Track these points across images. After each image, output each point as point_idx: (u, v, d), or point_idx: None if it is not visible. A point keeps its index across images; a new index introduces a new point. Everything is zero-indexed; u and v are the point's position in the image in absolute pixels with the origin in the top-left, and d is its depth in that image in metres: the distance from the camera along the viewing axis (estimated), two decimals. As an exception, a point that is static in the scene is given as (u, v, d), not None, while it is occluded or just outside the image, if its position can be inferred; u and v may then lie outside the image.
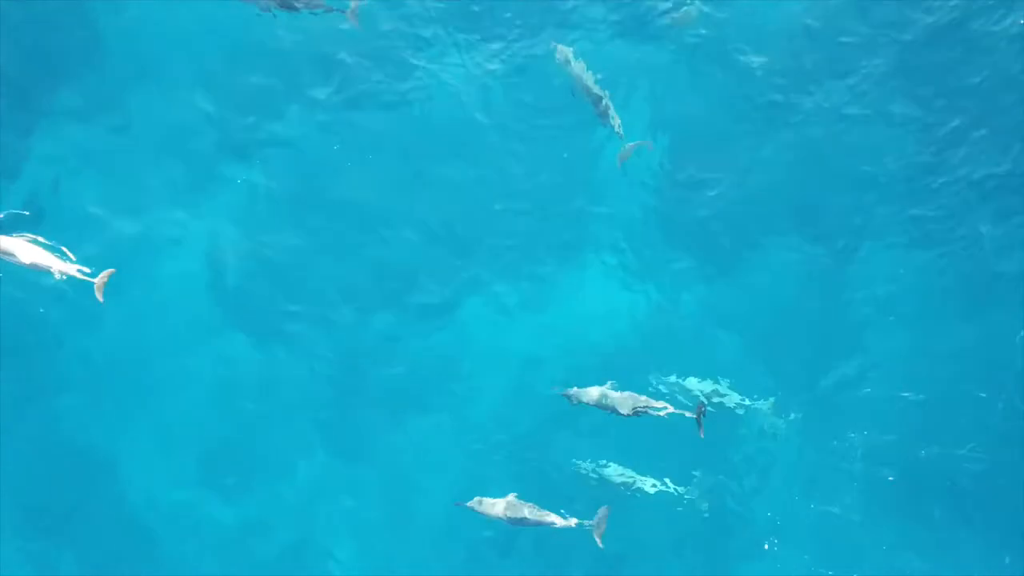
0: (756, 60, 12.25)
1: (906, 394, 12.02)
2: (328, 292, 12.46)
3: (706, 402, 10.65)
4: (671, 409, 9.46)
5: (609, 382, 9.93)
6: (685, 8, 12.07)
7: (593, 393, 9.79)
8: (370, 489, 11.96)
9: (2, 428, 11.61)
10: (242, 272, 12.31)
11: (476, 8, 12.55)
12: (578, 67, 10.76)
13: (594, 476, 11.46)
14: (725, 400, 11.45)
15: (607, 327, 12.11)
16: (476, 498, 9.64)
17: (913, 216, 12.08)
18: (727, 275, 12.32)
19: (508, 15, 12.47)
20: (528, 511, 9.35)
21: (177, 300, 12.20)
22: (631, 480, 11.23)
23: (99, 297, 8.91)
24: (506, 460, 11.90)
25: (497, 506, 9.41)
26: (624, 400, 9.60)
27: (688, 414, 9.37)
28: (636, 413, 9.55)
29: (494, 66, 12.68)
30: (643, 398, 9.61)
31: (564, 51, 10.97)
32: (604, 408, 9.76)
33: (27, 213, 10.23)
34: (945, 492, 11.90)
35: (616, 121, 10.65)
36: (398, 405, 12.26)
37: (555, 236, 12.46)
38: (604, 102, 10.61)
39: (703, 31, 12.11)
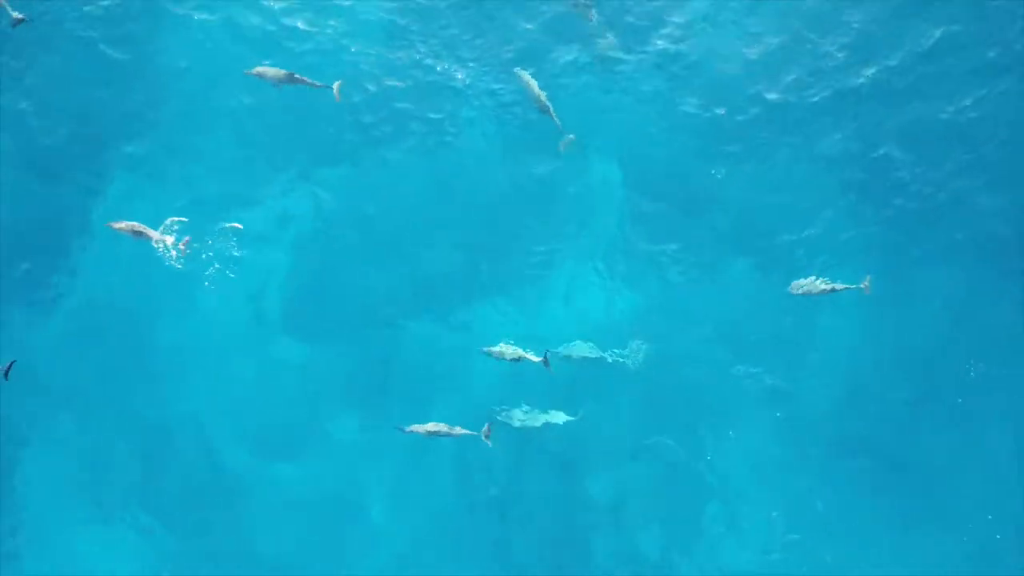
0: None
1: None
2: (367, 297, 14.86)
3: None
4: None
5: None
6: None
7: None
8: (396, 456, 14.12)
9: (100, 409, 14.12)
10: (298, 279, 14.87)
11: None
12: (530, 82, 14.21)
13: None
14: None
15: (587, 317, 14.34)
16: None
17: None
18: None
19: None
20: (443, 428, 12.61)
21: (243, 303, 14.72)
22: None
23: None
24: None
25: (423, 427, 12.62)
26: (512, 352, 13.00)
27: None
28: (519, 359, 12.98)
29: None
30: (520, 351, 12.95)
31: (522, 73, 14.41)
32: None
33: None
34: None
35: (556, 120, 14.11)
36: (422, 390, 14.41)
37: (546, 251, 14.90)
38: (546, 104, 14.07)
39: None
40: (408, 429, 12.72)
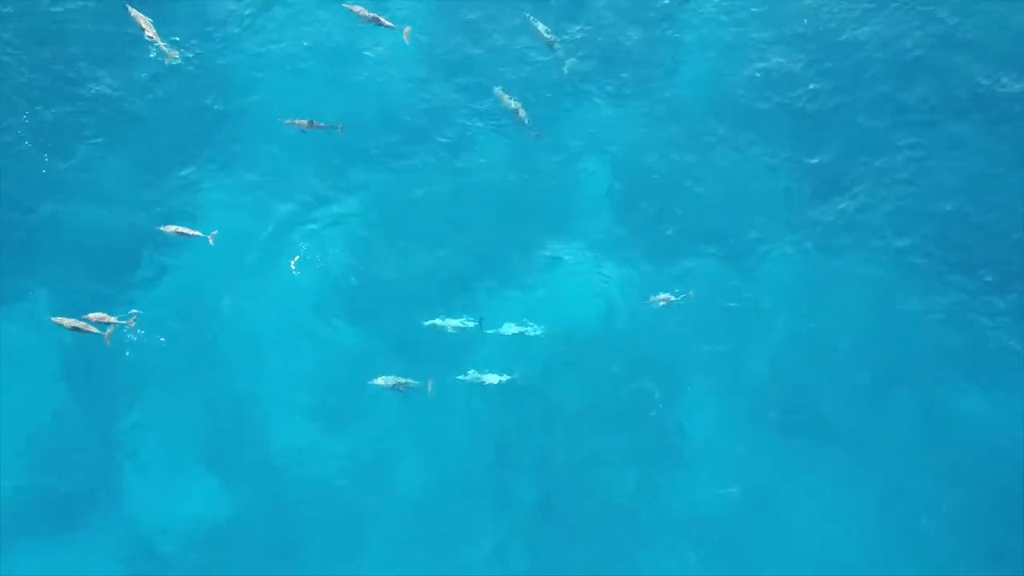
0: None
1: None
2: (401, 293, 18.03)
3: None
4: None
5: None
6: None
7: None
8: (423, 419, 17.27)
9: (186, 389, 17.26)
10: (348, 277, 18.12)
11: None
12: (504, 96, 17.36)
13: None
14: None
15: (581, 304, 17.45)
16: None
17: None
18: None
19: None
20: (399, 381, 15.98)
21: (301, 296, 17.96)
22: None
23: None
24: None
25: (384, 380, 15.90)
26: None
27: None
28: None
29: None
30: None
31: (501, 92, 17.52)
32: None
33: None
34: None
35: (527, 120, 17.32)
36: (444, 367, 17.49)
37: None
38: (517, 110, 17.32)
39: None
40: (373, 382, 15.95)
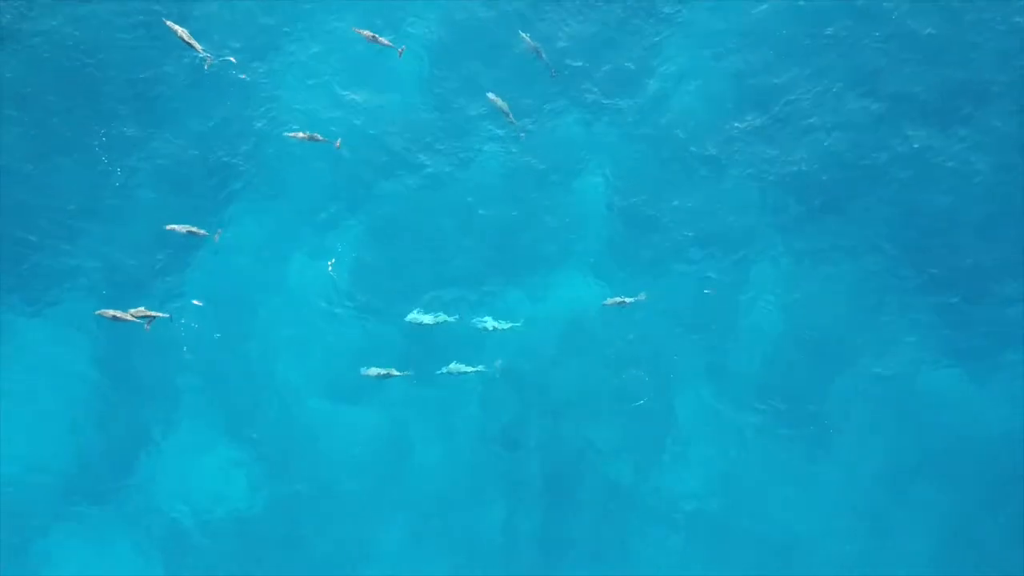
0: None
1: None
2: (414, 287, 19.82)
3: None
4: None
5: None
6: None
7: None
8: (440, 406, 18.99)
9: (229, 367, 18.94)
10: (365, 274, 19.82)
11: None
12: (496, 99, 19.17)
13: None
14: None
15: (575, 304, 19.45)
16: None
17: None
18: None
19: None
20: (387, 372, 17.74)
21: (325, 292, 19.52)
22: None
23: None
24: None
25: (375, 371, 17.71)
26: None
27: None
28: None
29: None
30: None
31: (493, 96, 19.27)
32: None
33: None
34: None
35: (514, 121, 19.40)
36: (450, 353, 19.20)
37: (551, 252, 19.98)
38: (506, 112, 19.22)
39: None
40: (364, 372, 17.70)
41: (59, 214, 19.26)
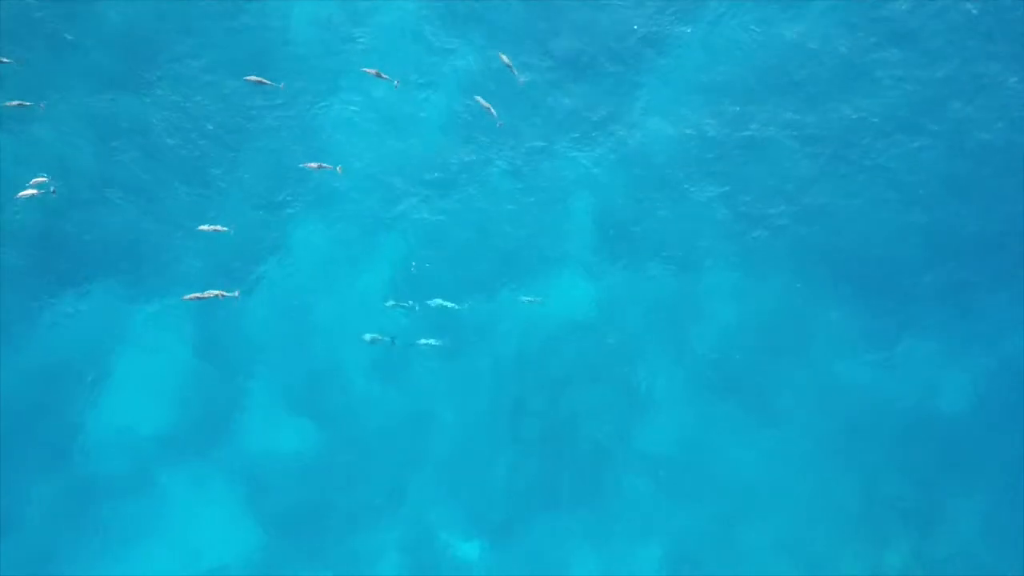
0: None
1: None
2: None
3: None
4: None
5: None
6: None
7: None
8: (461, 380, 23.84)
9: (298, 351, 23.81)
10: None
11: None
12: (481, 100, 23.29)
13: None
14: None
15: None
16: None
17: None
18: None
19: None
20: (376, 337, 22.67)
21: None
22: None
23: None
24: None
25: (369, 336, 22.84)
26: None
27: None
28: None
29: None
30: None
31: (479, 99, 23.55)
32: None
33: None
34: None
35: (496, 116, 23.36)
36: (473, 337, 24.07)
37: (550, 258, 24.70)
38: (489, 109, 23.12)
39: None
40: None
41: (167, 225, 24.55)
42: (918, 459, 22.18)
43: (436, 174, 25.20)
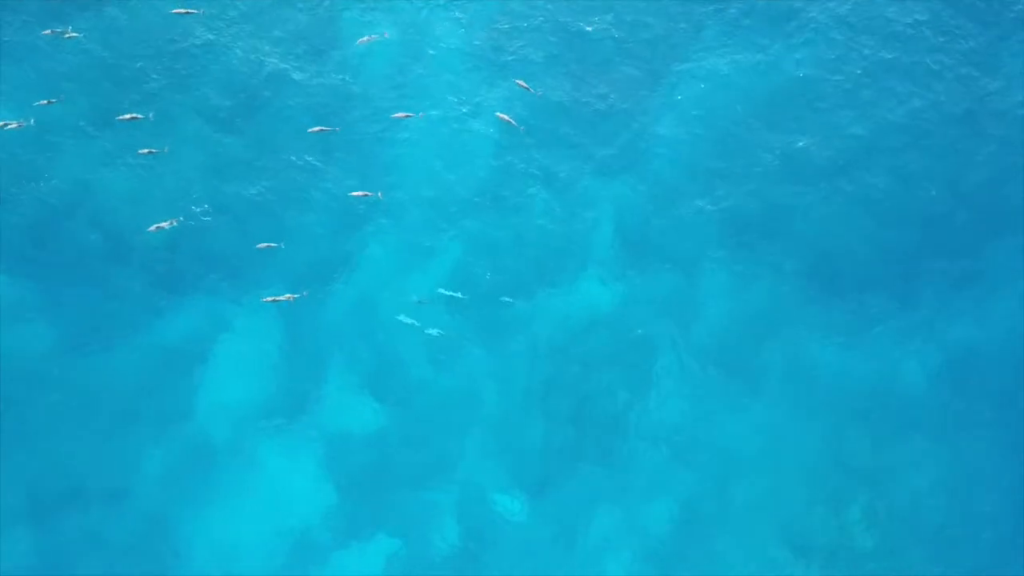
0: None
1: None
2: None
3: None
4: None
5: None
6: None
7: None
8: (496, 364, 28.77)
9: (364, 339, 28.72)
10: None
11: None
12: (503, 116, 28.44)
13: None
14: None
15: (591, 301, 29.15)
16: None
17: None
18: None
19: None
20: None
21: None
22: None
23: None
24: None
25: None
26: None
27: None
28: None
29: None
30: None
31: (499, 114, 28.74)
32: None
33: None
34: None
35: (518, 125, 28.80)
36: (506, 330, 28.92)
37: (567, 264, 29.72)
38: (510, 121, 28.30)
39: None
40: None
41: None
42: (876, 426, 27.24)
43: (479, 196, 30.19)
